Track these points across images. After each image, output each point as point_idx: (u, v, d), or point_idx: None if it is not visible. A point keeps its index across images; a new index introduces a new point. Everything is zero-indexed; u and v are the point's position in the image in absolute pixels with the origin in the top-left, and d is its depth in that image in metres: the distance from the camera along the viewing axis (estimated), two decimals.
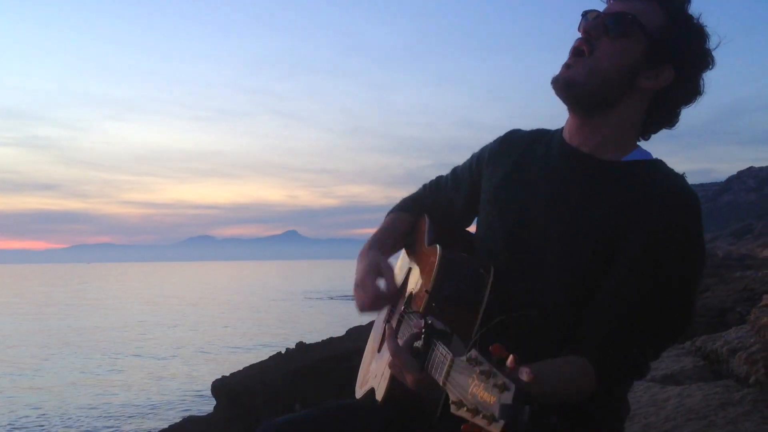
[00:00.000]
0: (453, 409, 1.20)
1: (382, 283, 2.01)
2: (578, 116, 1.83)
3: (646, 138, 1.86)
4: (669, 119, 1.83)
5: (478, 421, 1.13)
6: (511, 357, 1.13)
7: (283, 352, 8.45)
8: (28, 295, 67.19)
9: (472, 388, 1.16)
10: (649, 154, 1.82)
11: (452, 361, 1.29)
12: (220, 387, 7.91)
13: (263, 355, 8.97)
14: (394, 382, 1.80)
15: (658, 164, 1.79)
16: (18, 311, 44.77)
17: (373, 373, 2.04)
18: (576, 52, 1.78)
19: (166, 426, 8.86)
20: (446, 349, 1.36)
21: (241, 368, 8.27)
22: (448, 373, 1.29)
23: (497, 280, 1.76)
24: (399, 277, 2.20)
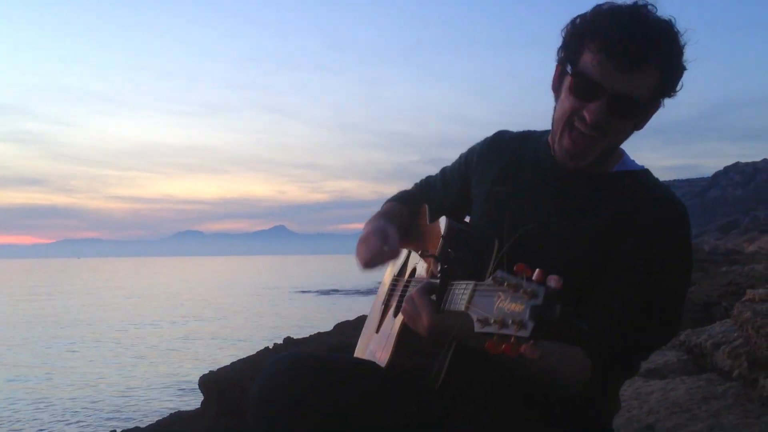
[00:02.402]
0: (477, 327, 1.20)
1: (386, 244, 2.01)
2: None
3: None
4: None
5: (506, 330, 1.13)
6: (537, 270, 1.14)
7: (270, 347, 8.44)
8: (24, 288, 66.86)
9: (498, 303, 1.17)
10: (635, 163, 1.85)
11: (476, 285, 1.29)
12: (208, 382, 7.89)
13: (251, 350, 8.96)
14: (398, 349, 1.83)
15: (646, 174, 1.83)
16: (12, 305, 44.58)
17: (374, 349, 2.05)
18: (591, 139, 1.72)
19: (153, 421, 8.85)
20: (466, 282, 1.36)
21: (228, 363, 8.26)
22: (471, 298, 1.29)
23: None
24: (398, 262, 2.23)
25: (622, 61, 1.62)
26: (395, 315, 1.96)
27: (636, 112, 1.71)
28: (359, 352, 2.24)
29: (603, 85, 1.65)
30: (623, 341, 1.67)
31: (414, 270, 2.04)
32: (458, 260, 1.78)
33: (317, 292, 53.73)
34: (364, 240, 2.05)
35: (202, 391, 8.07)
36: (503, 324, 1.14)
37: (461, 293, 1.37)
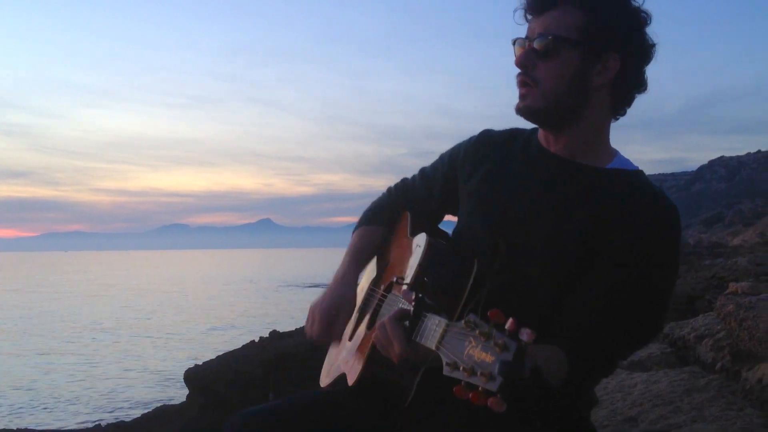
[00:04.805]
0: (446, 371, 1.19)
1: (335, 321, 2.09)
2: (551, 131, 1.86)
3: (622, 113, 1.86)
4: (638, 86, 1.83)
5: (474, 380, 1.13)
6: (510, 320, 1.13)
7: (256, 340, 8.43)
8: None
9: (469, 350, 1.16)
10: (630, 163, 1.84)
11: (448, 325, 1.28)
12: (193, 376, 7.88)
13: (237, 343, 8.95)
14: (369, 364, 1.82)
15: (640, 175, 1.82)
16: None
17: (344, 360, 2.04)
18: (523, 84, 1.80)
19: (138, 415, 8.83)
20: (438, 317, 1.35)
21: (214, 357, 8.24)
22: (442, 337, 1.28)
23: (480, 274, 1.77)
24: (378, 265, 2.22)
25: (530, 7, 1.79)
26: (368, 328, 1.96)
27: (555, 47, 1.74)
28: (330, 359, 2.23)
29: (528, 35, 1.79)
30: (602, 340, 1.66)
31: (390, 285, 2.00)
32: (435, 285, 1.77)
33: (303, 285, 53.69)
34: (314, 317, 2.10)
35: (187, 385, 8.06)
36: (472, 372, 1.14)
37: (434, 328, 1.36)
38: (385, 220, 2.27)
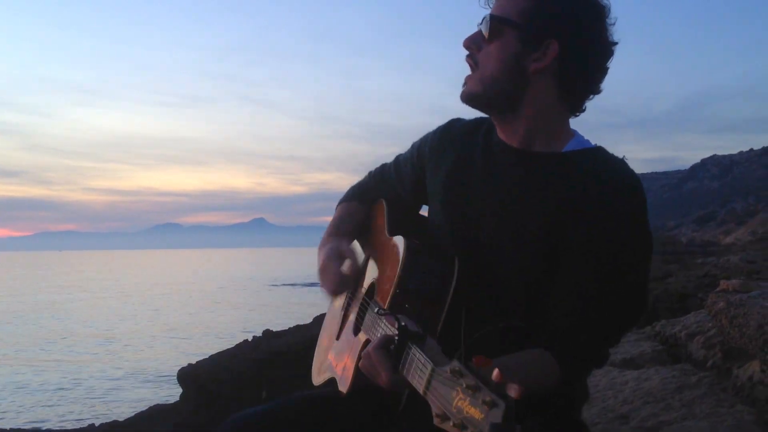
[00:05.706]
0: (437, 421, 1.18)
1: (345, 266, 2.02)
2: (496, 117, 1.84)
3: (581, 110, 1.82)
4: (582, 79, 1.78)
5: None
6: (496, 371, 1.11)
7: (249, 339, 8.43)
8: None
9: (457, 402, 1.14)
10: (587, 142, 1.80)
11: (433, 370, 1.26)
12: (187, 375, 7.87)
13: (230, 342, 8.94)
14: (359, 375, 1.80)
15: (597, 152, 1.77)
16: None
17: (334, 362, 2.02)
18: (469, 66, 1.81)
19: (132, 414, 8.81)
20: (424, 356, 1.33)
21: (207, 356, 8.24)
22: (429, 383, 1.26)
23: (461, 276, 1.74)
24: (358, 260, 2.19)
25: None
26: (354, 333, 1.93)
27: (497, 28, 1.74)
28: (320, 355, 2.22)
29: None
30: (588, 336, 1.63)
31: (372, 287, 1.96)
32: (416, 296, 1.74)
33: (297, 284, 53.64)
34: (323, 270, 2.05)
35: (180, 384, 8.06)
36: (462, 428, 1.12)
37: (419, 367, 1.33)
38: (367, 201, 2.25)
